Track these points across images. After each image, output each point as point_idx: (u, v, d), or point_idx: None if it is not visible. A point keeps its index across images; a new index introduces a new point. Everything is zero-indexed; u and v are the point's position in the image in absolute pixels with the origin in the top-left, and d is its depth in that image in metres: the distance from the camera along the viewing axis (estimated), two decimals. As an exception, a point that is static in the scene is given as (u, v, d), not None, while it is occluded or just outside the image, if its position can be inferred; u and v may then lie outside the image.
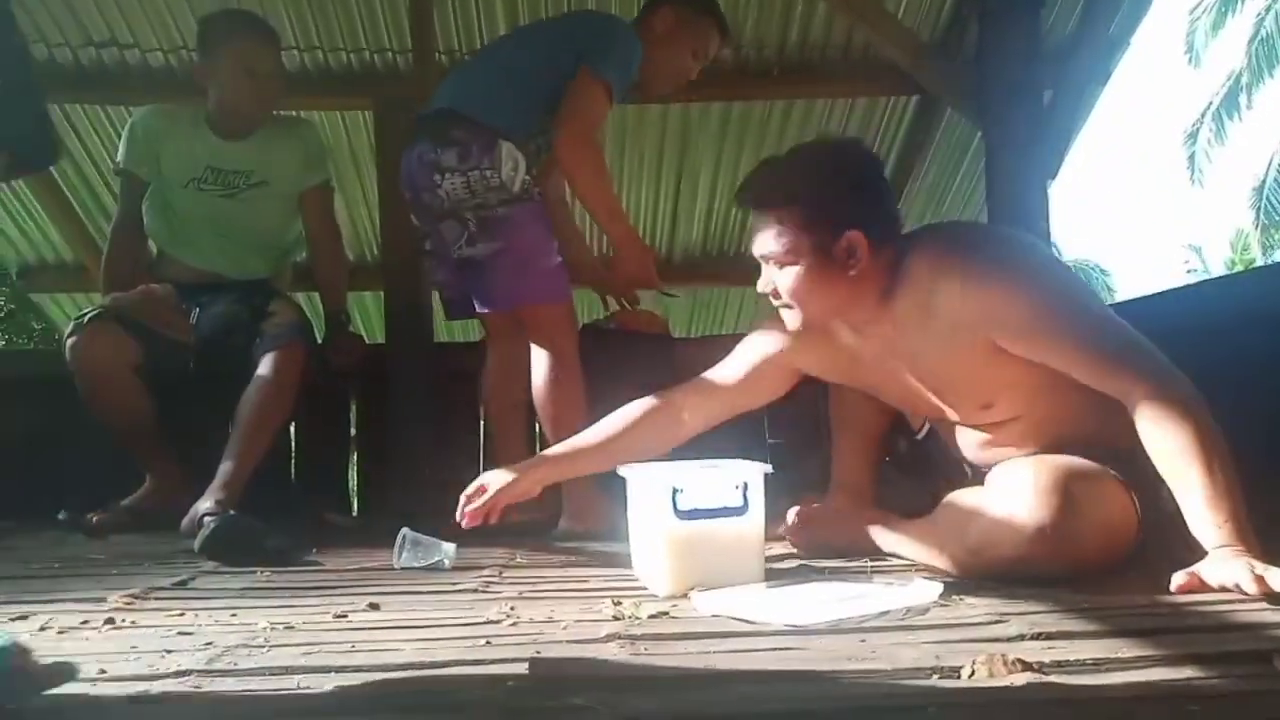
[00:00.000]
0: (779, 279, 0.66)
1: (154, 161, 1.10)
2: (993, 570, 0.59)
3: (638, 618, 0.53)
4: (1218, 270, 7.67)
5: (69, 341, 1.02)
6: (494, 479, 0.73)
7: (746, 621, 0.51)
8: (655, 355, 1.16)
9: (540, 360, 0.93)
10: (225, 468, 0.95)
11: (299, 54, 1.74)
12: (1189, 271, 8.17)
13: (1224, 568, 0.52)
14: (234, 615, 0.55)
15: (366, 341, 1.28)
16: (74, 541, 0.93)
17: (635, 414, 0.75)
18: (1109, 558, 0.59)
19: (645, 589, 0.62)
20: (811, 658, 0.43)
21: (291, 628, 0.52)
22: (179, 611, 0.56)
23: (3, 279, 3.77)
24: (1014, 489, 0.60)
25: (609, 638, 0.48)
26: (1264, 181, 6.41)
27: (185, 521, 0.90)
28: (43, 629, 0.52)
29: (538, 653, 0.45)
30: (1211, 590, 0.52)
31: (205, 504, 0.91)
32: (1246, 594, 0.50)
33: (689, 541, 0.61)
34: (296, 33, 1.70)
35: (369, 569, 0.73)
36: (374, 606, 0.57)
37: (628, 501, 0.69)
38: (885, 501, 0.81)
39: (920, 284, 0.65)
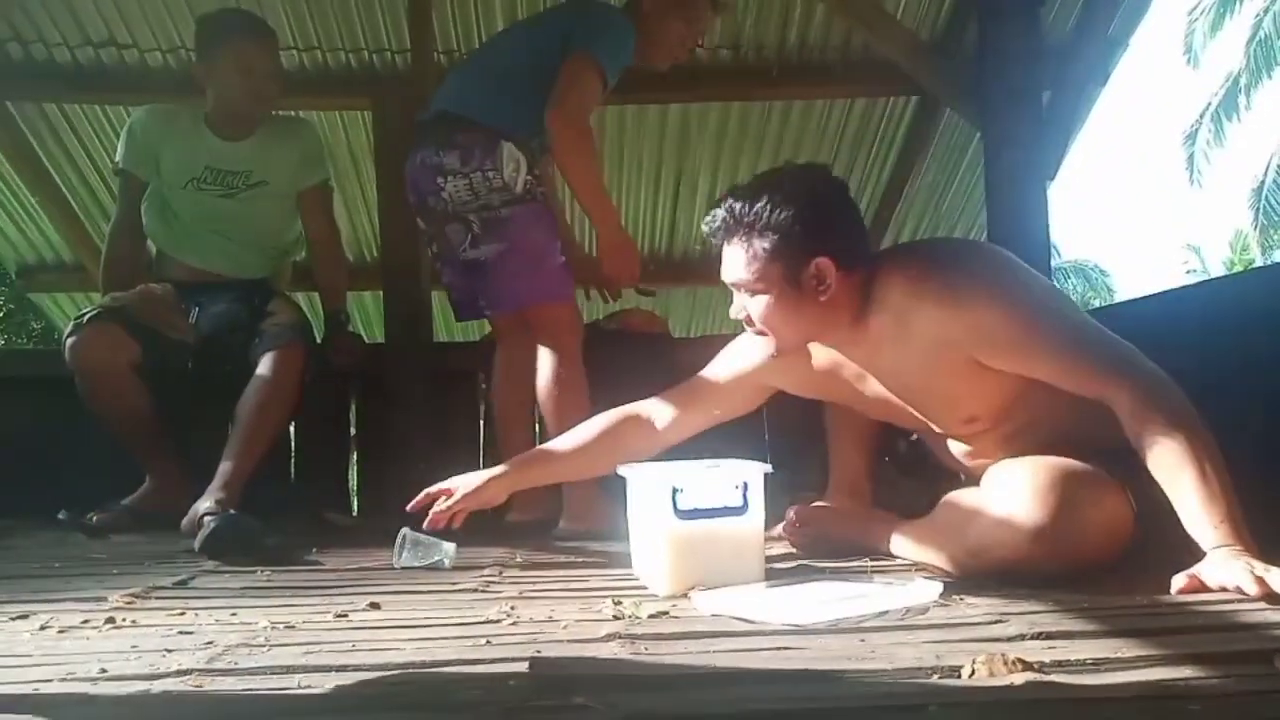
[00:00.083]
0: (751, 307, 0.67)
1: (153, 161, 1.10)
2: (992, 570, 0.59)
3: (638, 617, 0.53)
4: (1217, 271, 7.68)
5: (68, 341, 1.02)
6: (461, 483, 0.73)
7: (746, 621, 0.51)
8: (655, 355, 1.17)
9: (545, 360, 0.93)
10: (225, 467, 0.95)
11: (297, 54, 1.74)
12: (1188, 272, 8.22)
13: (1223, 569, 0.52)
14: (234, 614, 0.55)
15: (366, 341, 1.28)
16: (74, 541, 0.93)
17: (608, 424, 0.76)
18: (1107, 557, 0.59)
19: (645, 589, 0.62)
20: (811, 657, 0.43)
21: (292, 627, 0.52)
22: (179, 611, 0.56)
23: (2, 279, 3.77)
24: (1012, 490, 0.60)
25: (609, 637, 0.48)
26: (1263, 182, 6.44)
27: (185, 521, 0.90)
28: (43, 628, 0.52)
29: (538, 652, 0.45)
30: (1212, 591, 0.52)
31: (205, 503, 0.91)
32: (1247, 595, 0.50)
33: (689, 541, 0.61)
34: (295, 33, 1.70)
35: (369, 568, 0.73)
36: (374, 606, 0.57)
37: (628, 501, 0.69)
38: (885, 501, 0.82)
39: (895, 305, 0.65)
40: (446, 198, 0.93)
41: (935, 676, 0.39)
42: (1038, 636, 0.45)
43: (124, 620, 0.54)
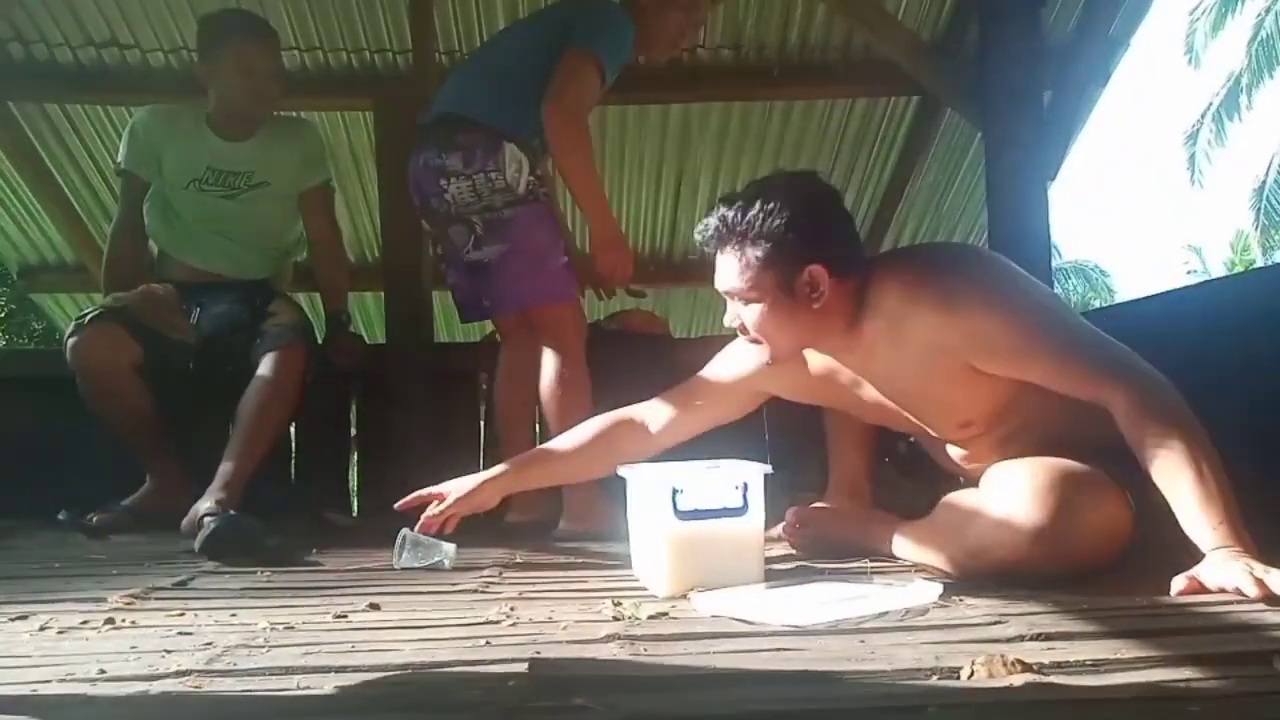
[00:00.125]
0: (745, 315, 0.67)
1: (155, 162, 1.10)
2: (991, 572, 0.59)
3: (638, 618, 0.53)
4: (1217, 271, 7.66)
5: (70, 341, 1.02)
6: (453, 487, 0.73)
7: (746, 622, 0.51)
8: (655, 355, 1.18)
9: (548, 360, 0.94)
10: (225, 468, 0.95)
11: (299, 54, 1.74)
12: (1189, 272, 8.21)
13: (1223, 570, 0.52)
14: (234, 615, 0.55)
15: (367, 342, 1.28)
16: (74, 541, 0.93)
17: (602, 428, 0.75)
18: (1106, 557, 0.59)
19: (645, 589, 0.62)
20: (811, 658, 0.43)
21: (291, 628, 0.52)
22: (179, 611, 0.56)
23: (3, 279, 3.78)
24: (1011, 491, 0.60)
25: (609, 638, 0.48)
26: (1264, 182, 6.43)
27: (185, 521, 0.90)
28: (43, 629, 0.52)
29: (537, 653, 0.45)
30: (1211, 593, 0.52)
31: (205, 504, 0.91)
32: (1247, 597, 0.50)
33: (689, 542, 0.61)
34: (297, 33, 1.70)
35: (369, 569, 0.73)
36: (374, 607, 0.57)
37: (627, 502, 0.69)
38: (884, 502, 0.81)
39: (890, 311, 0.65)
40: (450, 199, 0.93)
41: (935, 677, 0.39)
42: (1037, 638, 0.45)
43: (123, 621, 0.54)
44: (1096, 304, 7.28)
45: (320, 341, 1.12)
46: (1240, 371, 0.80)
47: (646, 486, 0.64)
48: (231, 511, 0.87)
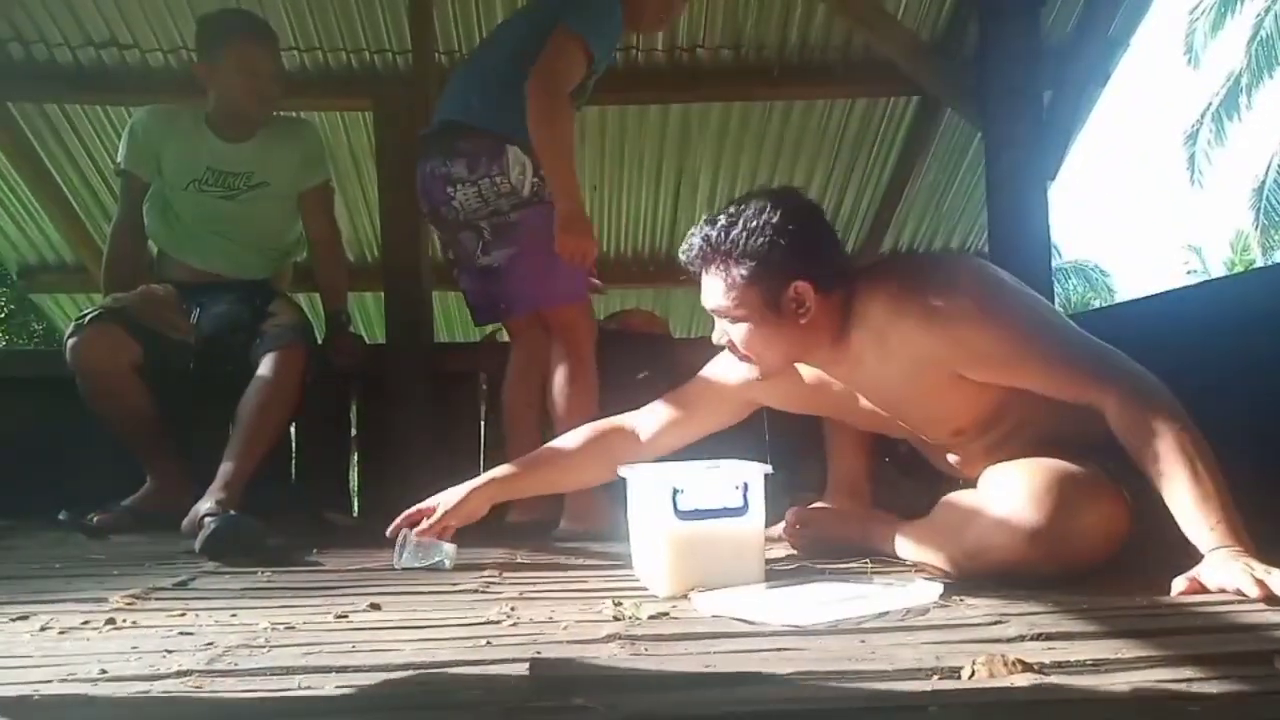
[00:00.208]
0: (732, 333, 0.67)
1: (154, 162, 1.10)
2: (990, 572, 0.59)
3: (638, 618, 0.53)
4: (1217, 271, 7.68)
5: (70, 342, 1.02)
6: (442, 500, 0.73)
7: (746, 622, 0.51)
8: (655, 355, 1.17)
9: (559, 359, 0.94)
10: (226, 468, 0.95)
11: (299, 54, 1.74)
12: (1189, 272, 8.23)
13: (1223, 570, 0.52)
14: (235, 615, 0.55)
15: (367, 342, 1.28)
16: (75, 541, 0.93)
17: (592, 437, 0.76)
18: (1103, 558, 0.59)
19: (645, 589, 0.62)
20: (811, 658, 0.43)
21: (292, 628, 0.52)
22: (180, 612, 0.56)
23: (3, 279, 3.77)
24: (1009, 492, 0.60)
25: (609, 638, 0.48)
26: (1264, 182, 6.44)
27: (186, 522, 0.90)
28: (43, 629, 0.52)
29: (538, 653, 0.45)
30: (1212, 593, 0.52)
31: (206, 504, 0.91)
32: (1247, 597, 0.50)
33: (689, 542, 0.61)
34: (296, 33, 1.70)
35: (369, 569, 0.73)
36: (375, 607, 0.57)
37: (628, 502, 0.69)
38: (885, 502, 0.82)
39: (876, 323, 0.65)
40: (457, 206, 0.94)
41: (935, 677, 0.39)
42: (1037, 637, 0.45)
43: (124, 621, 0.54)
44: (1096, 304, 7.28)
45: (320, 342, 1.12)
46: (1240, 372, 0.81)
47: (647, 486, 0.64)
48: (232, 512, 0.87)
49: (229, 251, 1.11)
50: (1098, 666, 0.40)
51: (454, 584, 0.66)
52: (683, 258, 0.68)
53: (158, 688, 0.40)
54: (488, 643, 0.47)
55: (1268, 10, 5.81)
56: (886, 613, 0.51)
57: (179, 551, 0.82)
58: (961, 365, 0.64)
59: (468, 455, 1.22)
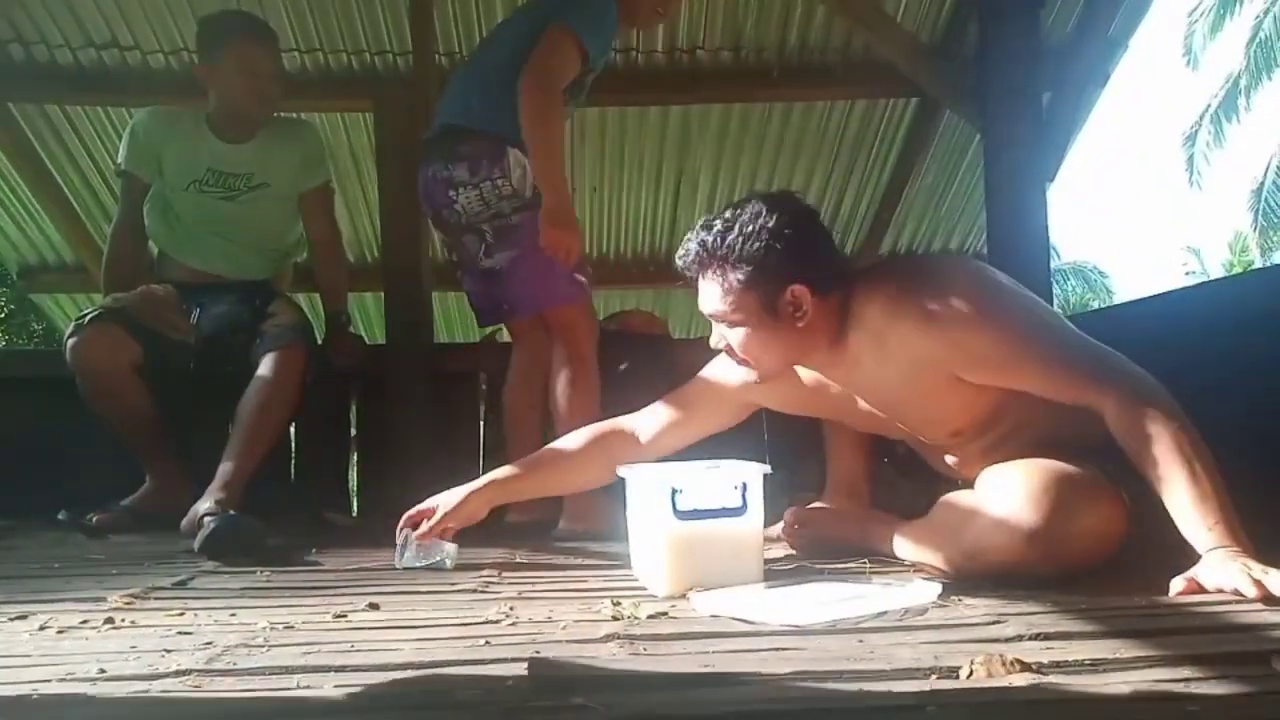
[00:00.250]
0: (730, 337, 0.68)
1: (155, 163, 1.10)
2: (987, 573, 0.59)
3: (637, 618, 0.53)
4: (1216, 272, 7.67)
5: (70, 342, 1.02)
6: (441, 501, 0.74)
7: (745, 622, 0.51)
8: (655, 356, 1.18)
9: (560, 361, 0.95)
10: (225, 468, 0.95)
11: (299, 55, 1.74)
12: (1187, 274, 8.22)
13: (1221, 571, 0.53)
14: (233, 615, 0.55)
15: (367, 342, 1.28)
16: (74, 541, 0.93)
17: (592, 438, 0.76)
18: (1101, 559, 0.60)
19: (644, 589, 0.63)
20: (810, 658, 0.43)
21: (291, 627, 0.52)
22: (179, 611, 0.56)
23: (4, 279, 3.77)
24: (1007, 493, 0.60)
25: (608, 638, 0.48)
26: (1262, 184, 6.45)
27: (185, 521, 0.90)
28: (42, 628, 0.52)
29: (537, 653, 0.45)
30: (1209, 593, 0.52)
31: (205, 504, 0.91)
32: (1245, 597, 0.50)
33: (688, 542, 0.61)
34: (297, 34, 1.71)
35: (368, 569, 0.74)
36: (373, 606, 0.57)
37: (627, 502, 0.69)
38: (883, 502, 0.82)
39: (874, 325, 0.66)
40: (460, 210, 0.94)
41: (933, 677, 0.39)
42: (1036, 637, 0.45)
43: (123, 621, 0.54)
44: (1095, 305, 7.28)
45: (320, 342, 1.12)
46: (1238, 373, 0.81)
47: (646, 486, 0.64)
48: (231, 511, 0.87)
49: (229, 252, 1.11)
50: (1096, 666, 0.40)
51: (453, 584, 0.66)
52: (679, 264, 0.68)
53: (156, 687, 0.40)
54: (486, 642, 0.47)
55: (1266, 12, 5.82)
56: (885, 612, 0.51)
57: (178, 551, 0.82)
58: (959, 367, 0.64)
59: (467, 455, 1.22)
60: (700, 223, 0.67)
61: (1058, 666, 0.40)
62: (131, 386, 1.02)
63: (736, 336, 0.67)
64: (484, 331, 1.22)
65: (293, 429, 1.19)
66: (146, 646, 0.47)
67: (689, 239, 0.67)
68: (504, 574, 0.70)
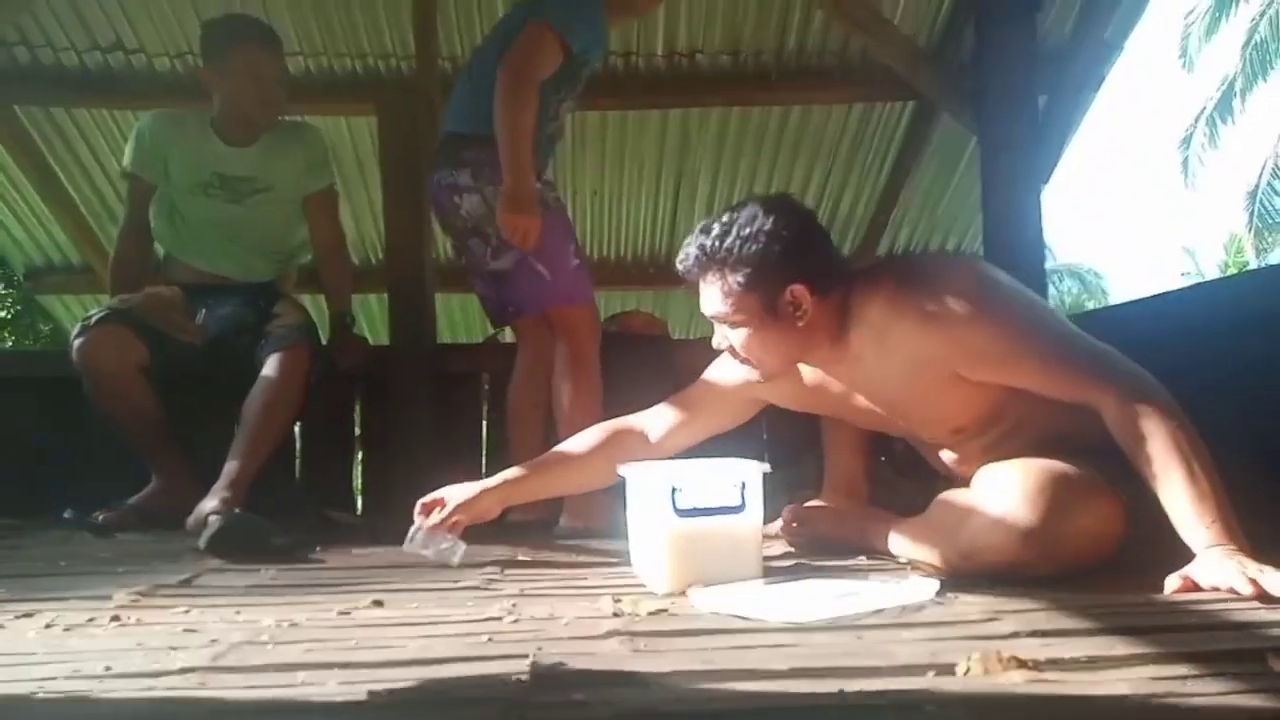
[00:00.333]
0: (732, 338, 0.68)
1: (161, 165, 1.11)
2: (984, 572, 0.60)
3: (637, 615, 0.53)
4: (1211, 274, 7.61)
5: (76, 342, 1.02)
6: (453, 494, 0.74)
7: (744, 619, 0.51)
8: (655, 356, 1.18)
9: (562, 361, 0.96)
10: (230, 467, 0.96)
11: (303, 60, 1.75)
12: (1183, 275, 8.17)
13: (1216, 569, 0.53)
14: (239, 613, 0.56)
15: (371, 343, 1.28)
16: (80, 540, 0.93)
17: (603, 438, 0.76)
18: (1097, 558, 0.60)
19: (645, 586, 0.63)
20: (808, 654, 0.44)
21: (296, 625, 0.52)
22: (184, 609, 0.57)
23: (10, 281, 3.80)
24: (1003, 492, 0.60)
25: (609, 634, 0.48)
26: (1257, 185, 6.42)
27: (191, 520, 0.91)
28: (49, 626, 0.53)
29: (539, 649, 0.45)
30: (1205, 591, 0.53)
31: (211, 503, 0.91)
32: (1240, 595, 0.51)
33: (688, 539, 0.61)
34: (300, 38, 1.72)
35: (372, 567, 0.74)
36: (377, 604, 0.58)
37: (627, 500, 0.70)
38: (882, 501, 0.82)
39: (875, 322, 0.66)
40: (465, 214, 0.96)
41: (931, 674, 0.40)
42: (1033, 634, 0.46)
43: (129, 618, 0.54)
44: (1090, 306, 7.27)
45: (324, 343, 1.12)
46: (1234, 373, 0.81)
47: (646, 484, 0.64)
48: (237, 510, 0.87)
49: (235, 254, 1.12)
50: (1092, 663, 0.40)
51: (456, 581, 0.66)
52: (680, 268, 0.69)
53: (162, 684, 0.41)
54: (489, 639, 0.48)
55: (1262, 14, 5.83)
56: (882, 610, 0.51)
57: (184, 549, 0.82)
58: (960, 364, 0.64)
59: (470, 455, 1.22)
60: (699, 227, 0.68)
61: (1054, 664, 0.40)
62: (137, 387, 1.02)
63: (738, 337, 0.68)
64: (487, 332, 1.22)
65: (297, 429, 1.19)
66: (153, 644, 0.48)
67: (688, 243, 0.68)
68: (506, 571, 0.70)
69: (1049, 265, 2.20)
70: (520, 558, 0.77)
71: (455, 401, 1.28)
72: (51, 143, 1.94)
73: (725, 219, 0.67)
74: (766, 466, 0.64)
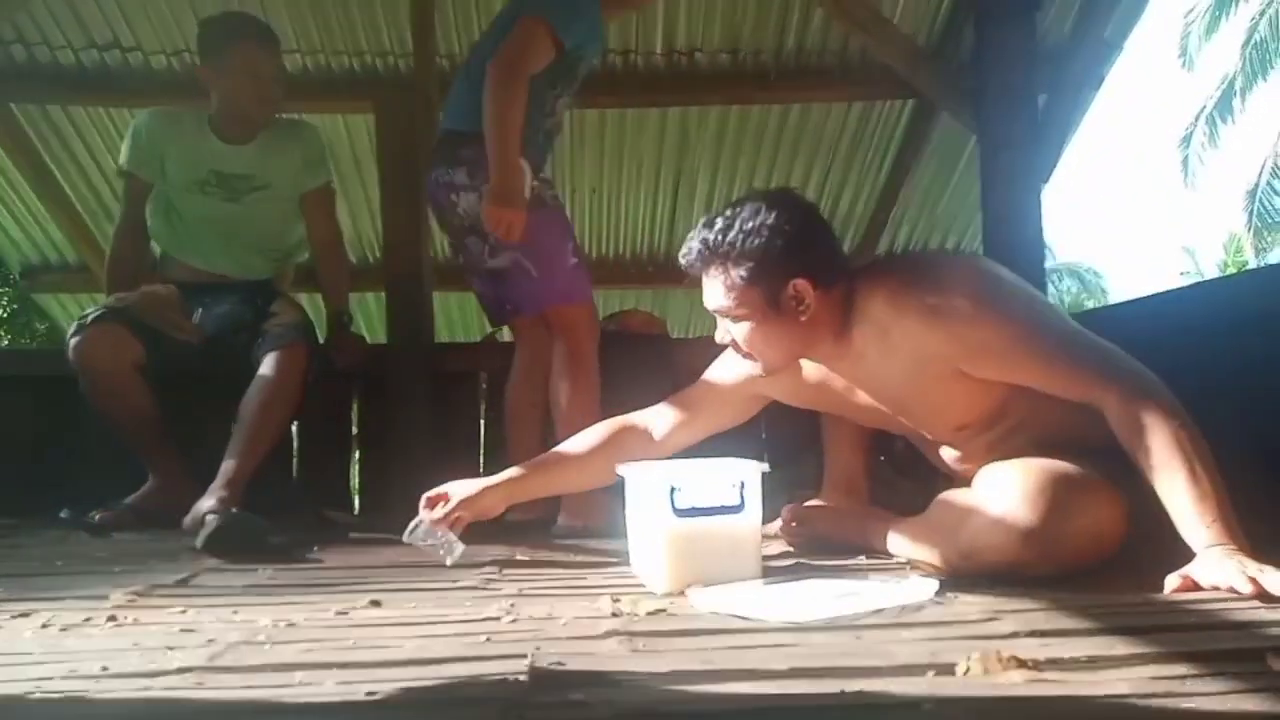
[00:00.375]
0: (735, 332, 0.68)
1: (158, 163, 1.10)
2: (983, 572, 0.60)
3: (636, 615, 0.53)
4: (1211, 273, 7.63)
5: (72, 341, 1.02)
6: (457, 489, 0.74)
7: (743, 618, 0.51)
8: (654, 356, 1.18)
9: (560, 360, 0.95)
10: (227, 466, 0.96)
11: (300, 57, 1.75)
12: (1182, 274, 8.17)
13: (1216, 568, 0.53)
14: (236, 612, 0.56)
15: (368, 341, 1.28)
16: (77, 539, 0.93)
17: (606, 435, 0.76)
18: (1097, 559, 0.60)
19: (644, 586, 0.63)
20: (808, 654, 0.44)
21: (293, 625, 0.52)
22: (181, 609, 0.56)
23: (6, 279, 3.78)
24: (1003, 492, 0.61)
25: (608, 634, 0.48)
26: (1257, 185, 6.43)
27: (187, 519, 0.90)
28: (45, 626, 0.52)
29: (537, 649, 0.45)
30: (1205, 591, 0.53)
31: (208, 502, 0.91)
32: (1240, 595, 0.51)
33: (687, 539, 0.61)
34: (298, 36, 1.71)
35: (370, 566, 0.74)
36: (375, 603, 0.58)
37: (626, 499, 0.70)
38: (881, 500, 0.82)
39: (878, 319, 0.66)
40: (462, 213, 0.96)
41: (930, 673, 0.40)
42: (1032, 634, 0.46)
43: (126, 618, 0.54)
44: (1090, 305, 7.29)
45: (322, 341, 1.12)
46: (1234, 372, 0.81)
47: (644, 484, 0.64)
48: (234, 509, 0.87)
49: (232, 252, 1.11)
50: (1092, 663, 0.40)
51: (454, 581, 0.66)
52: (683, 262, 0.69)
53: (159, 684, 0.41)
54: (487, 639, 0.48)
55: (1262, 14, 5.84)
56: (882, 609, 0.51)
57: (181, 549, 0.82)
58: (962, 361, 0.64)
59: (468, 454, 1.22)
60: (701, 221, 0.68)
61: (1054, 663, 0.40)
62: (134, 386, 1.02)
63: (741, 331, 0.68)
64: (484, 331, 1.22)
65: (294, 428, 1.19)
66: (149, 644, 0.48)
67: (691, 237, 0.68)
68: (505, 571, 0.70)
69: (1048, 264, 2.21)
70: (519, 557, 0.77)
71: (453, 400, 1.27)
72: (48, 141, 1.93)
73: (728, 213, 0.67)
74: (765, 466, 0.64)
